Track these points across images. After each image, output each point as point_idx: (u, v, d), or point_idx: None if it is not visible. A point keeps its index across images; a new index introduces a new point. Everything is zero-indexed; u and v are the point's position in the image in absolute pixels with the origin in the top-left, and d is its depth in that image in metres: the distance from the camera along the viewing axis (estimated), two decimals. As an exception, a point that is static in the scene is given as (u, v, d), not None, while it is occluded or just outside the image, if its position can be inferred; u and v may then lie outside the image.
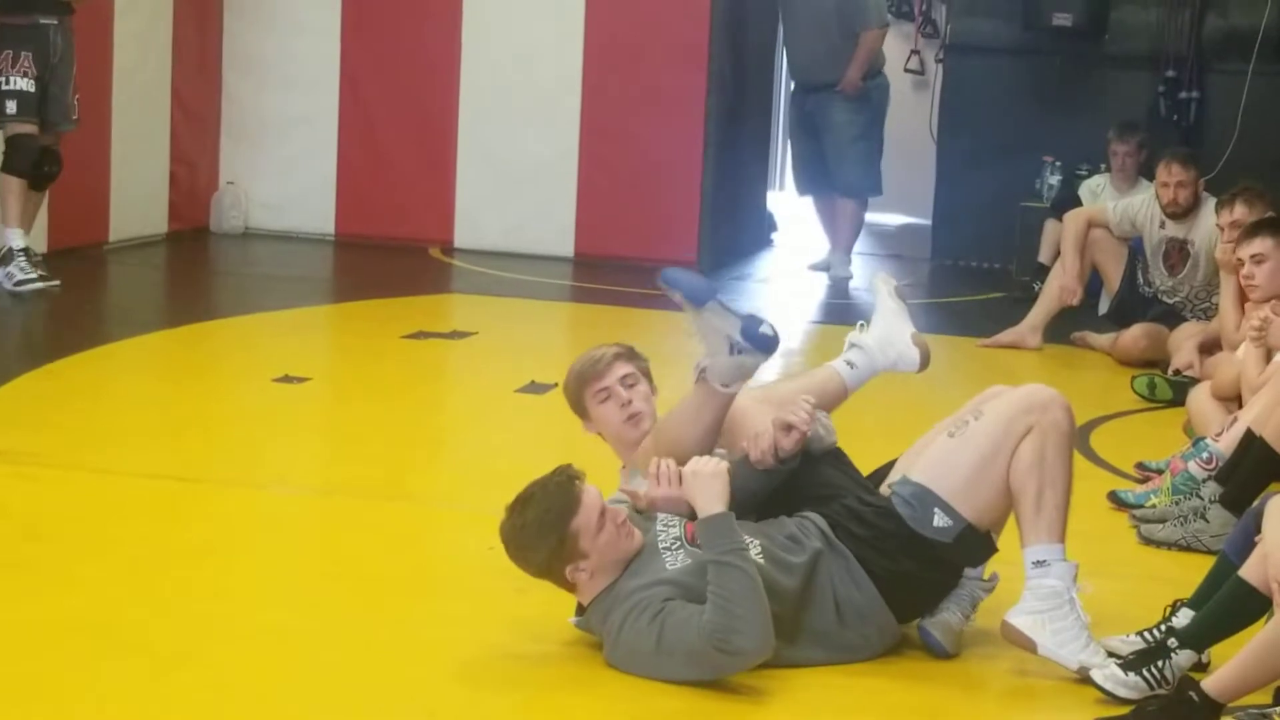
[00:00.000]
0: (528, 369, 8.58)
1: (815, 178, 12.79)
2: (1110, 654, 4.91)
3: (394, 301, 10.82)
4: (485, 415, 8.17)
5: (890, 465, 5.33)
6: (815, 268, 12.88)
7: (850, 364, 5.62)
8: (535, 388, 8.17)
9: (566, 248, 12.71)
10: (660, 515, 5.06)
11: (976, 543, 5.05)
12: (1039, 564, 4.96)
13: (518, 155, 12.66)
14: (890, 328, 5.68)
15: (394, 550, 5.96)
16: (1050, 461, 4.97)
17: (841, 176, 12.55)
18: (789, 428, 5.13)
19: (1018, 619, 4.96)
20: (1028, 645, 4.95)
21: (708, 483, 4.83)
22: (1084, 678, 4.82)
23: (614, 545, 4.83)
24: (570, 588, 4.88)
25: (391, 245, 12.71)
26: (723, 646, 4.62)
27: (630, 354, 5.52)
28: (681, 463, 5.04)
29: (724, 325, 5.12)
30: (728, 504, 4.82)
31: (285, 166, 13.00)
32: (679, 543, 4.91)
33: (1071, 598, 4.94)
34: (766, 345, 5.12)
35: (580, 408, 5.52)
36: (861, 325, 5.71)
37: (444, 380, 9.21)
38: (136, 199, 12.27)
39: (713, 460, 4.91)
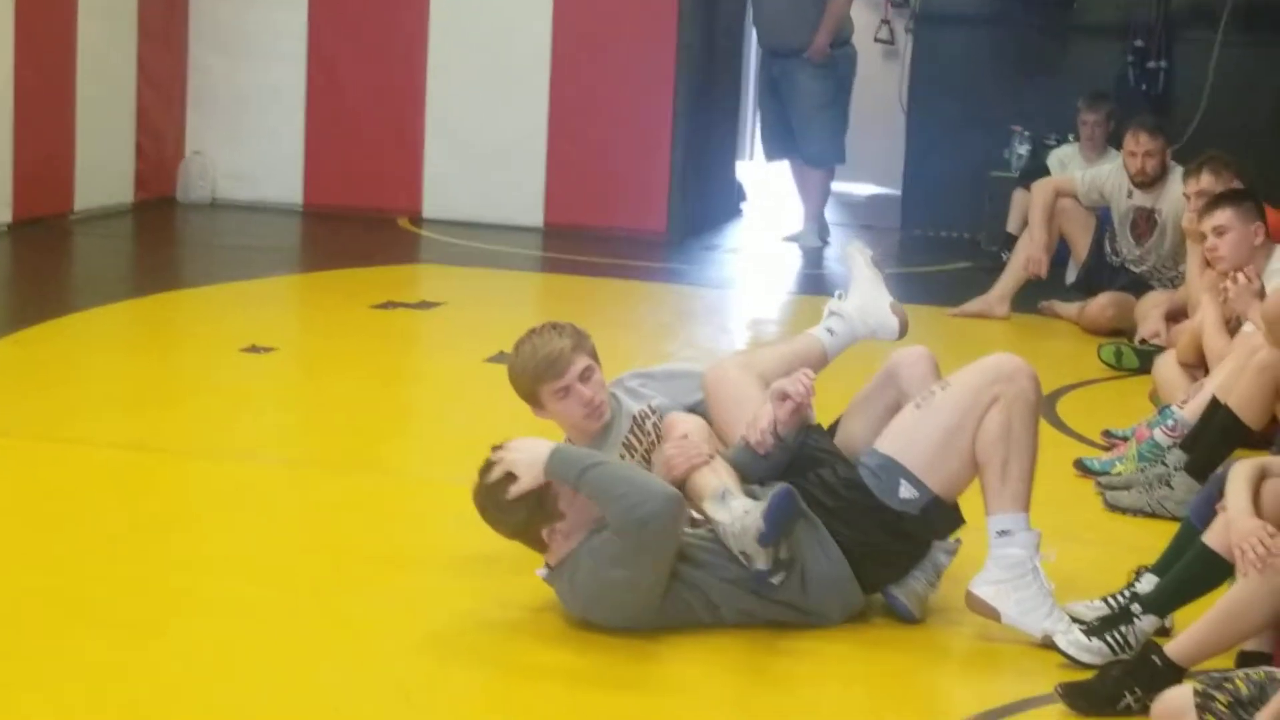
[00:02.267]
0: (497, 339, 8.56)
1: (783, 143, 12.80)
2: (1074, 619, 4.96)
3: (362, 272, 10.82)
4: (454, 385, 8.19)
5: (835, 426, 5.39)
6: (790, 239, 12.89)
7: (830, 331, 5.62)
8: (504, 358, 8.07)
9: (536, 218, 12.72)
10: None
11: (943, 515, 5.09)
12: (1003, 534, 5.01)
13: (487, 125, 12.66)
14: (869, 296, 5.70)
15: (363, 521, 5.98)
16: (1016, 432, 5.01)
17: (806, 145, 12.58)
18: (784, 397, 5.15)
19: (981, 589, 5.01)
20: (992, 614, 5.00)
21: (528, 452, 4.83)
22: (1048, 644, 4.87)
23: (586, 509, 4.87)
24: (543, 548, 4.93)
25: (360, 215, 12.72)
26: (635, 524, 4.68)
27: (579, 340, 5.43)
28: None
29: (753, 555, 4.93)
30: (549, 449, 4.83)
31: (252, 137, 12.99)
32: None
33: (1035, 566, 4.99)
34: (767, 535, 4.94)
35: (534, 400, 5.45)
36: (839, 294, 5.73)
37: (413, 350, 9.22)
38: (102, 169, 12.25)
39: (521, 442, 4.89)
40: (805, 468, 5.17)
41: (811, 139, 12.55)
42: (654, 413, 5.48)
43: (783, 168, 13.15)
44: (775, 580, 4.91)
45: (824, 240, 12.76)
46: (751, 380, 5.32)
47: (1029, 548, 5.00)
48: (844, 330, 5.63)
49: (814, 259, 12.41)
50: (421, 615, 5.04)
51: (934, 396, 5.09)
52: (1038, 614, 4.95)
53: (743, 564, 4.90)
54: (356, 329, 9.19)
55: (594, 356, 5.44)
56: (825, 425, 5.44)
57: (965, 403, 5.04)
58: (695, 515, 5.02)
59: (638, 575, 4.78)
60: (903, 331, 5.71)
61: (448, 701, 4.53)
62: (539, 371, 5.38)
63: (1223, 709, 4.03)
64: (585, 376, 5.38)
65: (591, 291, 10.63)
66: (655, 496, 4.70)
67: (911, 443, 5.06)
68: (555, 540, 4.88)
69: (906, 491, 5.02)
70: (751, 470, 5.12)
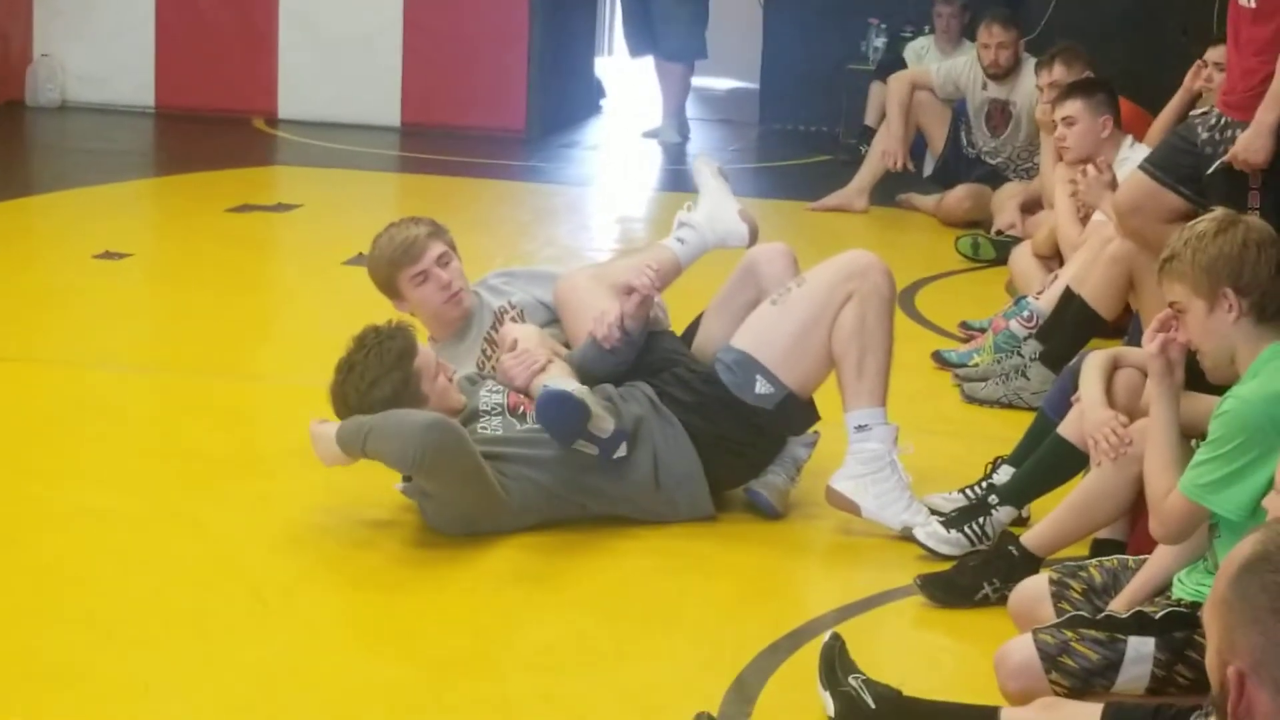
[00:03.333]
0: (355, 241, 8.47)
1: (645, 38, 12.74)
2: (933, 512, 5.01)
3: (217, 174, 10.69)
4: (312, 288, 8.13)
5: (695, 324, 5.40)
6: (649, 135, 12.86)
7: (681, 241, 5.64)
8: (363, 260, 8.00)
9: (393, 117, 12.60)
10: (488, 381, 5.10)
11: (798, 411, 5.13)
12: (861, 428, 5.05)
13: (341, 22, 12.50)
14: (717, 205, 5.70)
15: (220, 427, 5.93)
16: (871, 327, 5.03)
17: (667, 40, 12.52)
18: (630, 290, 5.16)
19: (841, 484, 5.05)
20: (852, 509, 5.04)
21: (321, 439, 4.82)
22: (907, 536, 4.92)
23: (447, 394, 4.92)
24: None
25: (214, 117, 12.53)
26: (414, 467, 4.68)
27: (436, 229, 5.49)
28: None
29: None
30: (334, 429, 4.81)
31: (102, 37, 12.73)
32: (499, 409, 4.98)
33: (893, 460, 5.03)
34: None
35: (392, 290, 5.48)
36: (688, 206, 5.74)
37: (270, 253, 9.15)
38: (-52, 73, 12.01)
39: (315, 432, 4.87)
40: (659, 368, 5.19)
41: (672, 34, 12.48)
42: (514, 308, 5.52)
43: (645, 64, 13.09)
44: (619, 454, 4.93)
45: (684, 136, 12.74)
46: (602, 289, 5.34)
47: (887, 441, 5.04)
48: (694, 239, 5.65)
49: (675, 155, 12.37)
50: (279, 520, 5.01)
51: (790, 293, 5.12)
52: (896, 507, 5.00)
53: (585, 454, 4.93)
54: (212, 233, 9.08)
55: (452, 247, 5.50)
56: (683, 328, 5.48)
57: (820, 299, 5.06)
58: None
59: (452, 499, 4.80)
60: (752, 239, 5.73)
61: (303, 607, 4.51)
62: (395, 257, 5.42)
63: (1077, 597, 4.09)
64: (442, 262, 5.43)
65: (450, 191, 10.57)
66: (413, 436, 4.64)
67: (767, 339, 5.08)
68: None
69: (762, 387, 5.05)
70: (599, 368, 5.13)
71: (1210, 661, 2.29)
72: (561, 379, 4.96)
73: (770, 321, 5.09)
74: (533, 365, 5.07)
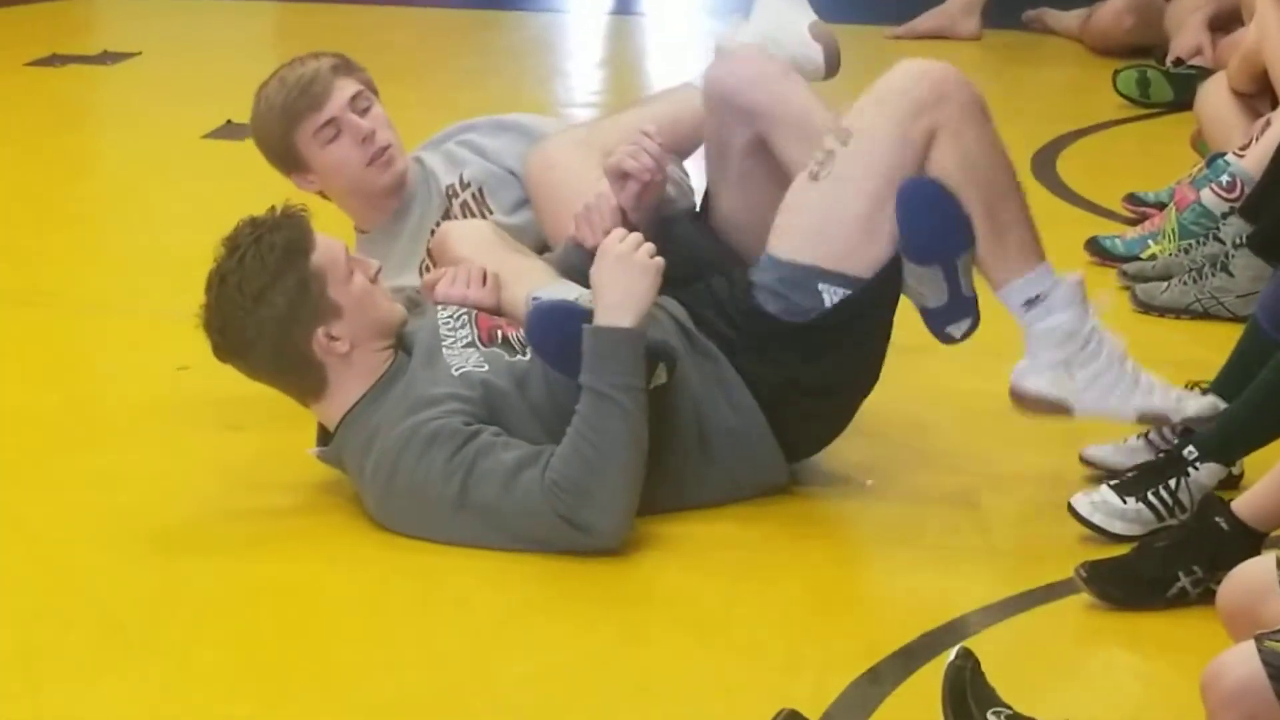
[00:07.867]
0: (220, 104, 8.57)
1: None
2: (1099, 467, 5.09)
3: (11, 12, 10.74)
4: (161, 175, 8.18)
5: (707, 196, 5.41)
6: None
7: None
8: (232, 131, 8.15)
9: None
10: (443, 308, 5.10)
11: (886, 292, 5.07)
12: (1032, 302, 4.99)
13: None
14: (779, 18, 5.70)
15: (43, 380, 5.99)
16: (981, 162, 4.97)
17: None
18: (624, 176, 5.19)
19: (1031, 380, 5.01)
20: (1058, 410, 5.02)
21: (630, 276, 4.81)
22: (1154, 420, 4.99)
23: (372, 301, 4.90)
24: (316, 387, 4.90)
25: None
26: (568, 513, 4.70)
27: (345, 63, 5.54)
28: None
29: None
30: (638, 318, 4.80)
31: None
32: (470, 341, 4.96)
33: (1093, 325, 5.00)
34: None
35: (290, 157, 5.52)
36: (735, 21, 5.75)
37: (96, 124, 9.25)
38: None
39: (645, 247, 4.85)
40: (685, 275, 5.13)
41: None
42: (466, 188, 5.59)
43: None
44: (656, 383, 4.88)
45: None
46: (590, 166, 5.38)
47: (1075, 304, 4.99)
48: None
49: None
50: (143, 506, 5.08)
51: (833, 159, 4.98)
52: (1121, 388, 4.97)
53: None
54: (10, 97, 9.20)
55: (371, 88, 5.59)
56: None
57: (888, 153, 4.97)
58: None
59: (493, 541, 4.80)
60: (831, 66, 5.74)
61: (176, 635, 4.53)
62: (291, 104, 5.48)
63: (1320, 588, 4.13)
64: (358, 106, 5.52)
65: (356, 26, 10.65)
66: (616, 511, 4.75)
67: (824, 233, 4.99)
68: (334, 355, 4.85)
69: (832, 296, 4.99)
70: (584, 270, 5.06)
71: None
72: (551, 283, 4.97)
73: (819, 206, 5.01)
74: (472, 278, 5.09)
